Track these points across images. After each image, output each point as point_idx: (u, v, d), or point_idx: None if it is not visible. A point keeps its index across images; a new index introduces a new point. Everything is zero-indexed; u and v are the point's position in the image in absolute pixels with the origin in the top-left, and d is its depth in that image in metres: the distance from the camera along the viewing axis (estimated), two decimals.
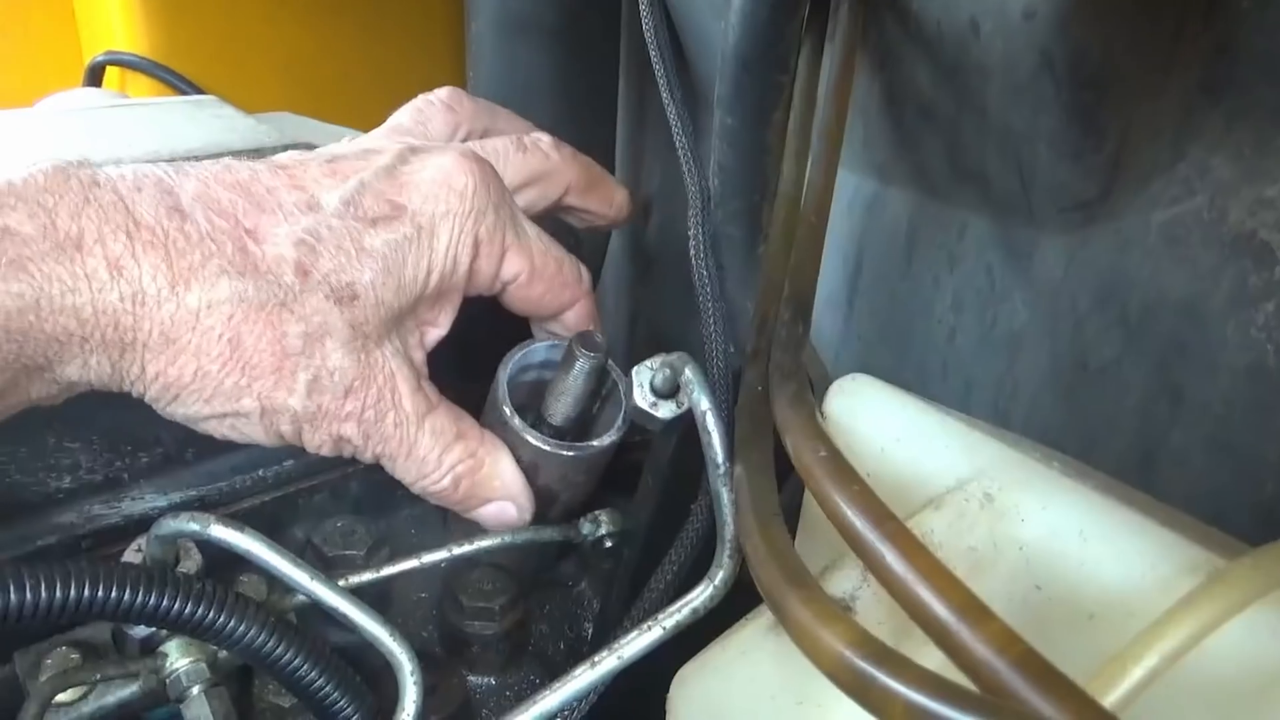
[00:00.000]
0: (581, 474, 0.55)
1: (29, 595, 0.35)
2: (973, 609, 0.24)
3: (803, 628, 0.27)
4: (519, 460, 0.53)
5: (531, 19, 0.88)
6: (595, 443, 0.53)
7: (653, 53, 0.59)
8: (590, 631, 0.61)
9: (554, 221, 0.67)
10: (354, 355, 0.46)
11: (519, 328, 0.59)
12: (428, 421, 0.50)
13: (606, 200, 0.67)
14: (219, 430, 0.47)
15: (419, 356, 0.52)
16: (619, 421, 0.53)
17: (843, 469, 0.30)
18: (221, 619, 0.41)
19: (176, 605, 0.39)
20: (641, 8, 0.60)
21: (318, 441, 0.48)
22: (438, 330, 0.53)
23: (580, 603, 0.63)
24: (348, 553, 0.55)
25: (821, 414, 0.39)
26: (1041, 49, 0.56)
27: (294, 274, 0.44)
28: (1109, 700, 0.25)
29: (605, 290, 1.21)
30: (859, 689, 0.24)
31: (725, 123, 0.67)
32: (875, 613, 0.28)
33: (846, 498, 0.29)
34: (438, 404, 0.51)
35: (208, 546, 0.48)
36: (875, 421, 0.37)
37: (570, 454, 0.53)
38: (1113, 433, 0.65)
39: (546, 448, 0.52)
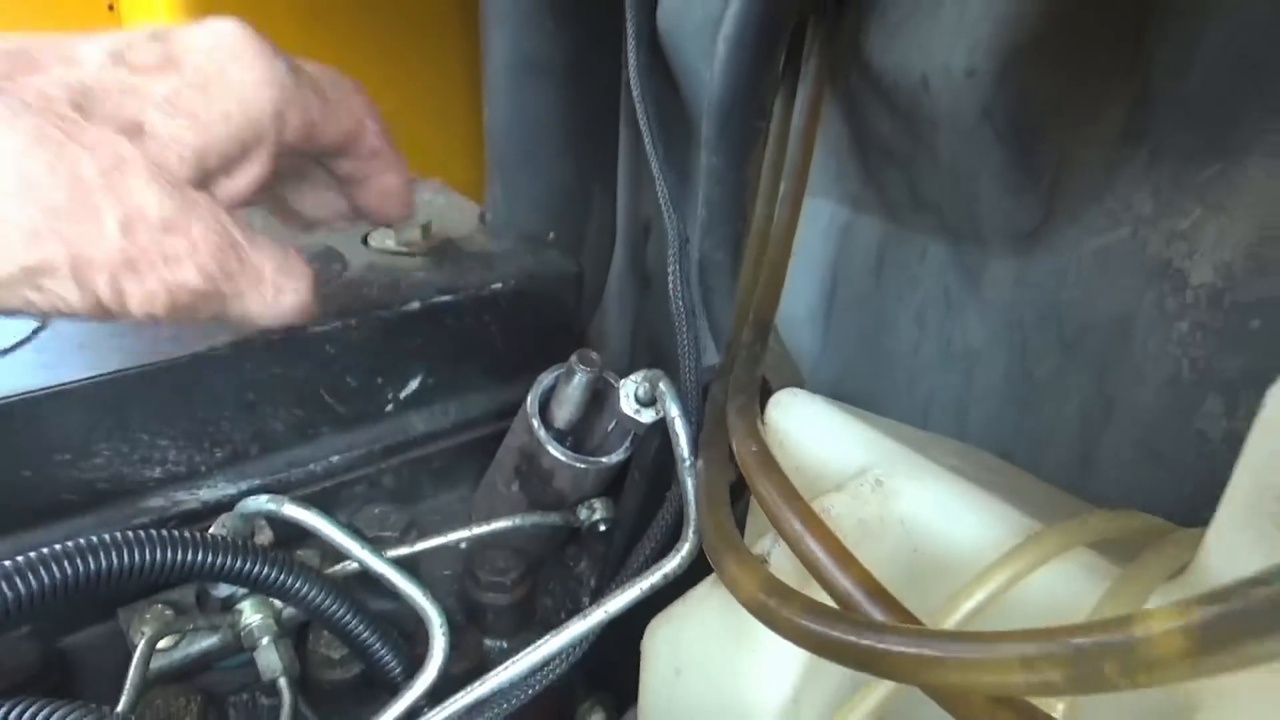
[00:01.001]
0: (589, 482, 0.65)
1: (155, 554, 0.46)
2: (842, 555, 0.34)
3: (731, 575, 0.37)
4: (540, 465, 0.63)
5: (540, 60, 0.96)
6: (604, 459, 0.63)
7: (639, 109, 0.69)
8: (587, 604, 0.71)
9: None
10: (163, 191, 0.43)
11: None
12: (265, 250, 0.48)
13: (373, 173, 0.60)
14: (32, 298, 0.42)
15: (238, 197, 0.49)
16: (626, 443, 0.63)
17: (767, 461, 0.40)
18: (292, 580, 0.51)
19: (259, 568, 0.50)
20: (630, 66, 0.70)
21: (147, 293, 0.44)
22: (249, 176, 0.49)
23: (580, 580, 0.73)
24: (384, 534, 0.65)
25: (763, 420, 0.49)
26: (982, 102, 0.65)
27: (72, 110, 0.42)
28: (944, 625, 0.35)
29: (609, 302, 1.31)
30: (766, 616, 0.34)
31: (711, 161, 0.77)
32: (783, 564, 0.38)
33: (767, 482, 0.39)
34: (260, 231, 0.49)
35: (275, 526, 0.59)
36: (802, 426, 0.47)
37: (582, 466, 0.62)
38: (1056, 437, 0.74)
39: (564, 459, 0.62)
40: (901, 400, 0.88)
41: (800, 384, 0.77)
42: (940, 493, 0.40)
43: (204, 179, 0.47)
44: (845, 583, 0.34)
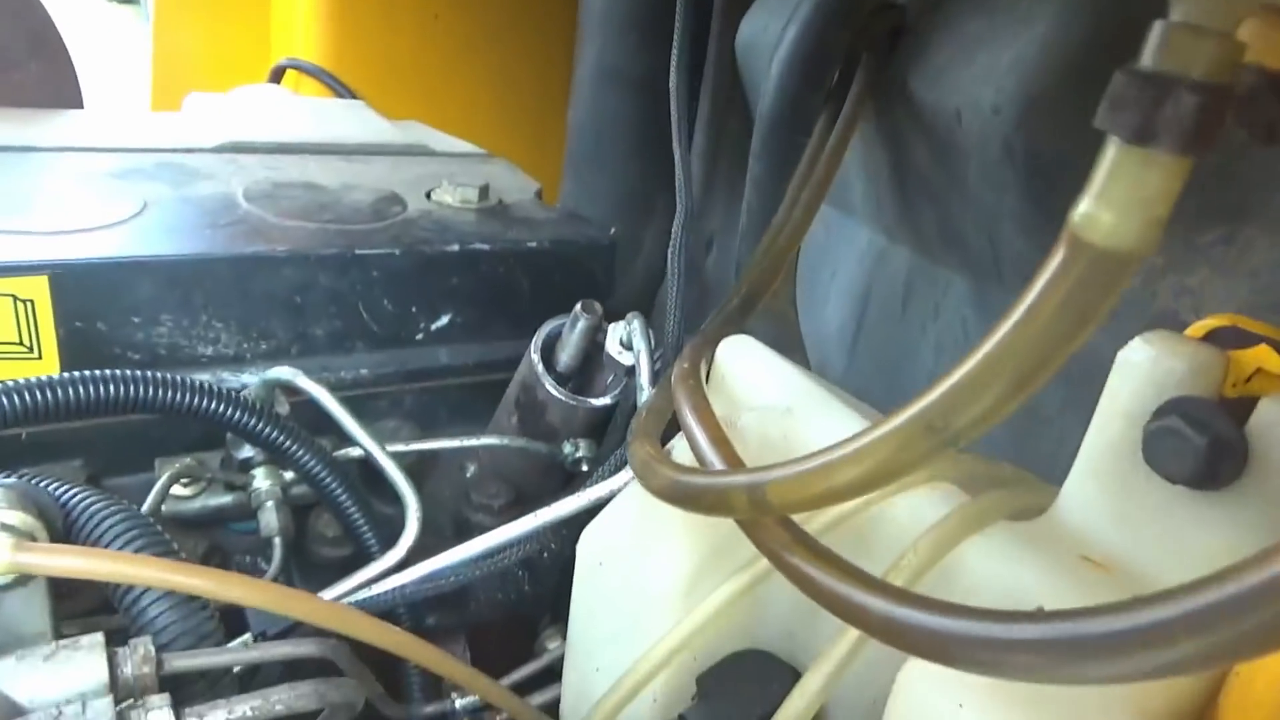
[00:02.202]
0: (579, 420, 0.72)
1: (178, 395, 0.55)
2: (719, 440, 0.40)
3: (636, 456, 0.43)
4: (536, 398, 0.69)
5: (622, 69, 1.05)
6: (593, 401, 0.70)
7: (673, 106, 0.76)
8: None
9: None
10: None
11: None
12: None
13: None
14: None
15: None
16: (617, 391, 0.70)
17: (689, 372, 0.46)
18: (296, 446, 0.59)
19: (268, 428, 0.58)
20: (671, 73, 0.77)
21: None
22: None
23: None
24: (395, 445, 0.73)
25: (709, 359, 0.55)
26: (1004, 140, 0.70)
27: None
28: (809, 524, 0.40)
29: (663, 308, 1.37)
30: (644, 475, 0.41)
31: (754, 169, 0.84)
32: (684, 458, 0.44)
33: (684, 393, 0.45)
34: None
35: (297, 409, 0.68)
36: (742, 367, 0.53)
37: (571, 403, 0.69)
38: (1054, 474, 0.77)
39: (556, 394, 0.69)
40: None
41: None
42: (838, 423, 0.45)
43: None
44: (700, 435, 0.39)
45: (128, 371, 0.54)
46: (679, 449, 0.45)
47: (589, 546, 0.52)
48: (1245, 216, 0.61)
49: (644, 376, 0.57)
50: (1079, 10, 0.68)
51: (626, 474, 0.56)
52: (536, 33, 1.46)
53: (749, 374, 0.52)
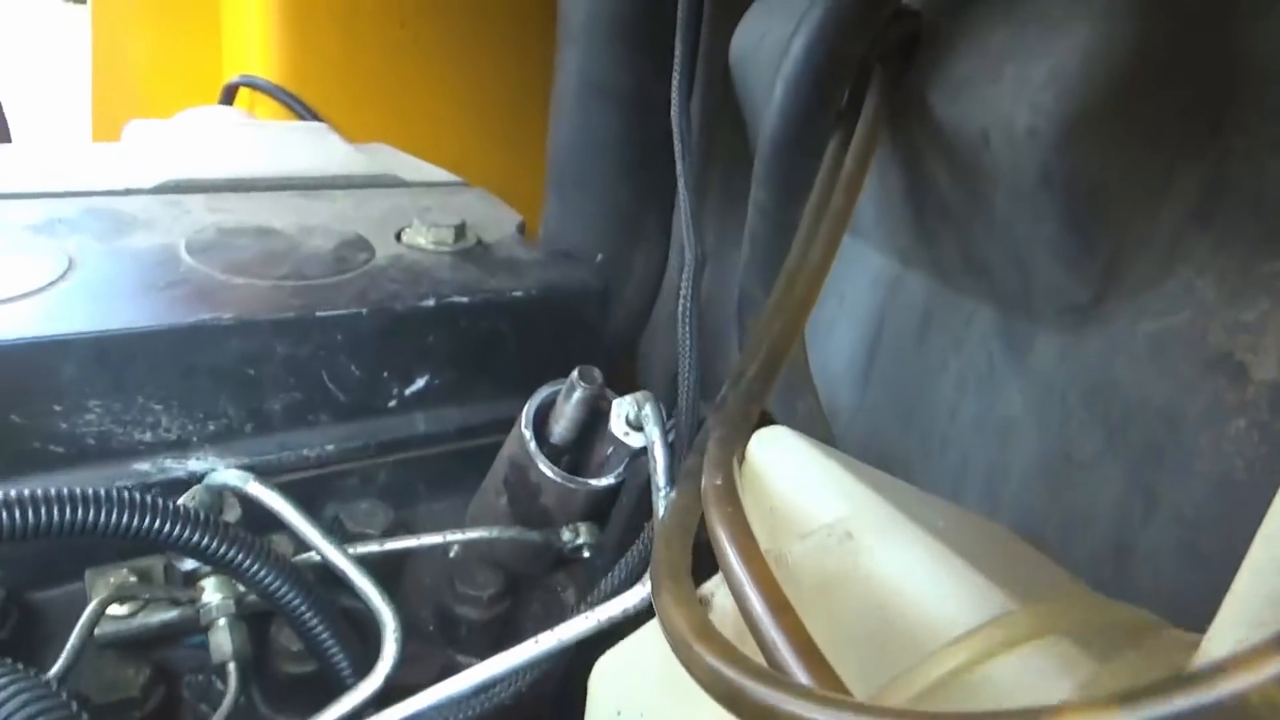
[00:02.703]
0: (577, 503, 0.63)
1: (105, 516, 0.45)
2: (779, 606, 0.31)
3: (665, 611, 0.34)
4: (528, 479, 0.61)
5: (607, 84, 0.96)
6: (593, 482, 0.61)
7: (675, 132, 0.68)
8: None
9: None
10: None
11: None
12: None
13: None
14: None
15: None
16: (620, 468, 0.61)
17: (727, 495, 0.37)
18: (249, 561, 0.50)
19: (215, 544, 0.49)
20: (673, 93, 0.69)
21: None
22: None
23: (565, 606, 0.70)
24: (367, 531, 0.64)
25: (741, 456, 0.46)
26: (1042, 164, 0.62)
27: None
28: (891, 701, 0.31)
29: (657, 331, 1.29)
30: (684, 655, 0.32)
31: (758, 196, 0.75)
32: (726, 609, 0.35)
33: (720, 516, 0.36)
34: None
35: (250, 507, 0.58)
36: (781, 466, 0.44)
37: (570, 486, 0.60)
38: (1089, 525, 0.69)
39: (551, 475, 0.60)
40: (934, 465, 0.84)
41: (829, 439, 0.73)
42: (912, 555, 0.37)
43: None
44: (774, 633, 0.30)
45: (32, 492, 0.44)
46: (721, 598, 0.36)
47: (604, 689, 0.43)
48: None
49: (660, 473, 0.48)
50: (1123, 16, 0.60)
51: (644, 589, 0.47)
52: (513, 43, 1.36)
53: (791, 478, 0.43)
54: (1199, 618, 0.59)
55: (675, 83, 0.66)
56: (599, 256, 0.95)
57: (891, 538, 0.38)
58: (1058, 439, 0.71)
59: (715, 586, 0.37)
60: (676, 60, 0.67)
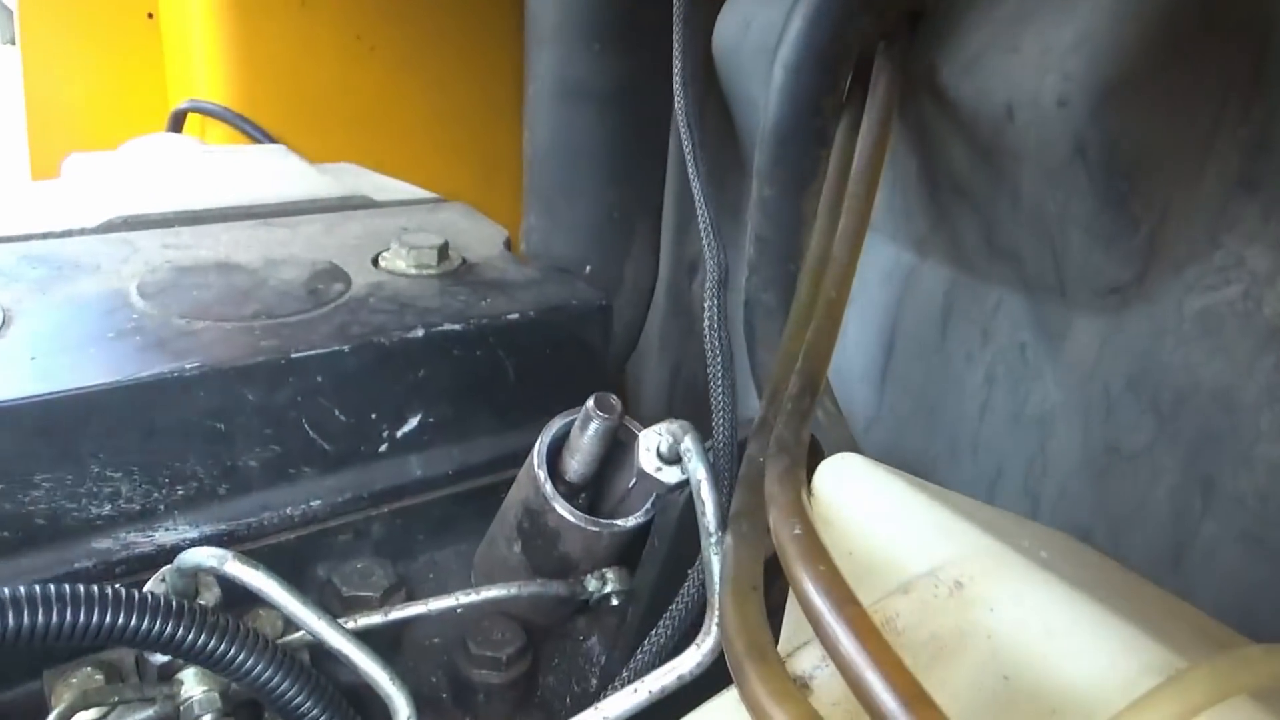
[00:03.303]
0: (602, 547, 0.56)
1: (53, 617, 0.38)
2: (914, 698, 0.25)
3: (757, 702, 0.28)
4: (545, 524, 0.54)
5: (586, 86, 0.91)
6: (620, 523, 0.54)
7: (682, 132, 0.61)
8: (596, 687, 0.61)
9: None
10: None
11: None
12: None
13: None
14: None
15: None
16: (647, 504, 0.54)
17: (813, 548, 0.31)
18: (231, 651, 0.43)
19: (190, 635, 0.42)
20: (675, 88, 0.63)
21: None
22: None
23: (589, 657, 0.63)
24: (364, 594, 0.57)
25: (809, 491, 0.40)
26: (1075, 137, 0.57)
27: None
28: None
29: (649, 346, 1.23)
30: None
31: (763, 193, 0.69)
32: (832, 693, 0.29)
33: (812, 577, 0.30)
34: None
35: (227, 582, 0.51)
36: (860, 501, 0.38)
37: (594, 529, 0.53)
38: (1142, 521, 0.64)
39: (572, 519, 0.53)
40: (964, 469, 0.79)
41: (854, 449, 0.68)
42: (1044, 605, 0.30)
43: None
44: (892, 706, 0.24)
45: None
46: (825, 678, 0.30)
47: None
48: None
49: (710, 516, 0.41)
50: None
51: (700, 652, 0.40)
52: (477, 49, 1.29)
53: (872, 515, 0.37)
54: (1266, 615, 0.53)
55: (677, 72, 0.60)
56: (587, 269, 0.89)
57: (1011, 585, 0.32)
58: (1102, 431, 0.66)
59: (811, 665, 0.30)
60: (676, 50, 0.60)
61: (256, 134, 1.10)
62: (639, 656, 0.45)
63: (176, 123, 1.15)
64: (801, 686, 0.29)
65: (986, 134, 0.63)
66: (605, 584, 0.55)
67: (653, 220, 1.03)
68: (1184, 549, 0.63)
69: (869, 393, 0.92)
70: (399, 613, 0.51)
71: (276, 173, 0.89)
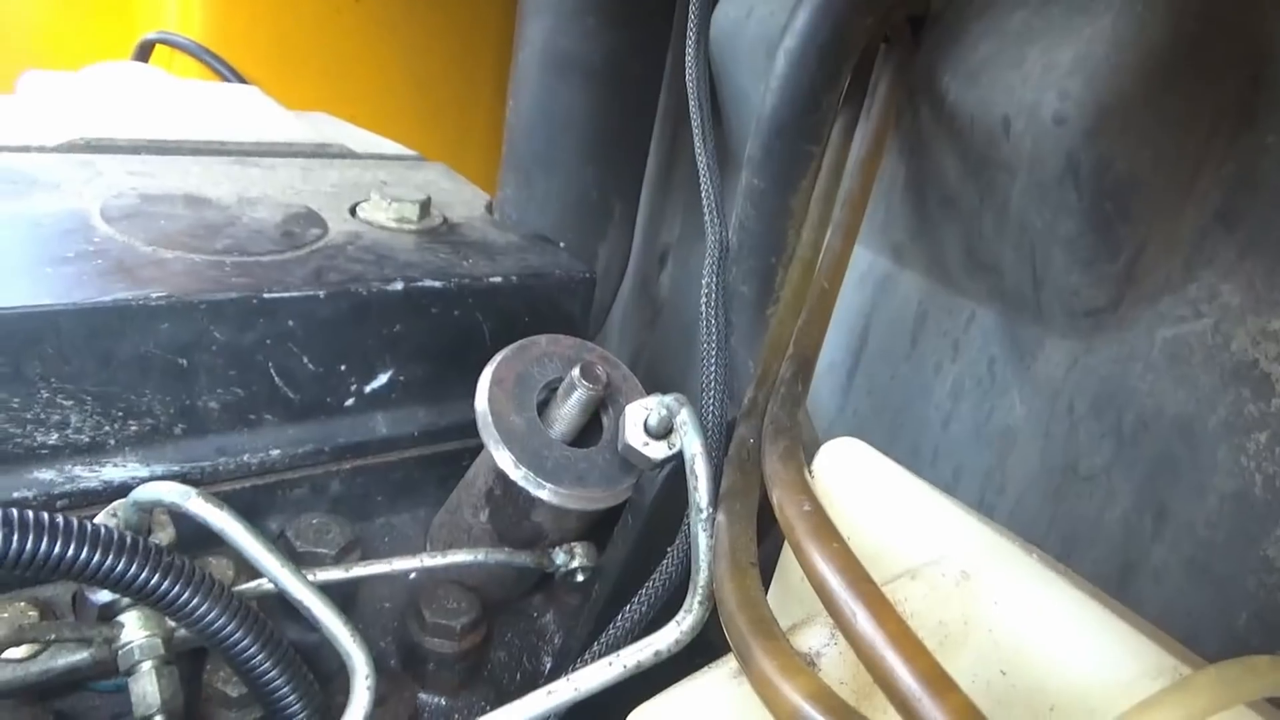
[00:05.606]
0: (574, 521, 0.55)
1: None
2: (937, 679, 0.24)
3: (765, 677, 0.27)
4: (515, 492, 0.52)
5: (575, 58, 0.89)
6: (598, 501, 0.52)
7: (691, 103, 0.60)
8: (549, 665, 0.60)
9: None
10: None
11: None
12: None
13: None
14: None
15: None
16: (628, 480, 0.52)
17: (824, 526, 0.30)
18: (186, 594, 0.40)
19: (144, 574, 0.39)
20: (687, 58, 0.62)
21: None
22: None
23: (543, 635, 0.62)
24: (319, 550, 0.54)
25: (810, 473, 0.39)
26: (1068, 154, 0.57)
27: None
28: None
29: (611, 328, 1.22)
30: None
31: (752, 184, 0.68)
32: (839, 671, 0.28)
33: (825, 555, 0.29)
34: None
35: (181, 523, 0.48)
36: (862, 485, 0.37)
37: (570, 505, 0.52)
38: (1094, 540, 0.65)
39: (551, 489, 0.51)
40: (922, 475, 0.79)
41: (815, 441, 0.68)
42: (1047, 602, 0.30)
43: None
44: (936, 715, 0.23)
45: None
46: (832, 656, 0.29)
47: None
48: None
49: (703, 492, 0.40)
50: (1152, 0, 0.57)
51: (676, 633, 0.39)
52: (462, 11, 1.26)
53: (873, 500, 0.36)
54: (1208, 639, 0.54)
55: (691, 42, 0.59)
56: (560, 244, 0.87)
57: (1015, 580, 0.31)
58: (1063, 450, 0.67)
59: (821, 645, 0.29)
60: (692, 18, 0.59)
61: (228, 73, 1.05)
62: (612, 630, 0.43)
63: (144, 53, 1.10)
64: (809, 664, 0.28)
65: (981, 144, 0.64)
66: (573, 558, 0.53)
67: (630, 205, 1.02)
68: (1132, 570, 0.64)
69: (833, 395, 0.93)
70: (360, 570, 0.49)
71: (251, 113, 0.85)
